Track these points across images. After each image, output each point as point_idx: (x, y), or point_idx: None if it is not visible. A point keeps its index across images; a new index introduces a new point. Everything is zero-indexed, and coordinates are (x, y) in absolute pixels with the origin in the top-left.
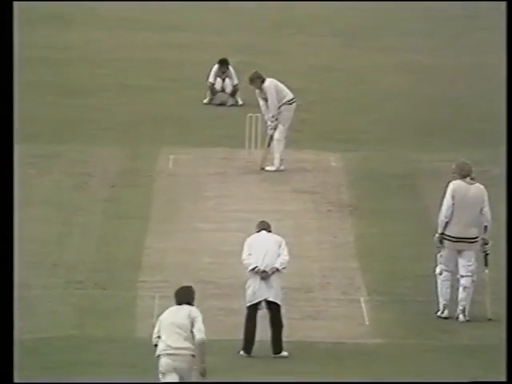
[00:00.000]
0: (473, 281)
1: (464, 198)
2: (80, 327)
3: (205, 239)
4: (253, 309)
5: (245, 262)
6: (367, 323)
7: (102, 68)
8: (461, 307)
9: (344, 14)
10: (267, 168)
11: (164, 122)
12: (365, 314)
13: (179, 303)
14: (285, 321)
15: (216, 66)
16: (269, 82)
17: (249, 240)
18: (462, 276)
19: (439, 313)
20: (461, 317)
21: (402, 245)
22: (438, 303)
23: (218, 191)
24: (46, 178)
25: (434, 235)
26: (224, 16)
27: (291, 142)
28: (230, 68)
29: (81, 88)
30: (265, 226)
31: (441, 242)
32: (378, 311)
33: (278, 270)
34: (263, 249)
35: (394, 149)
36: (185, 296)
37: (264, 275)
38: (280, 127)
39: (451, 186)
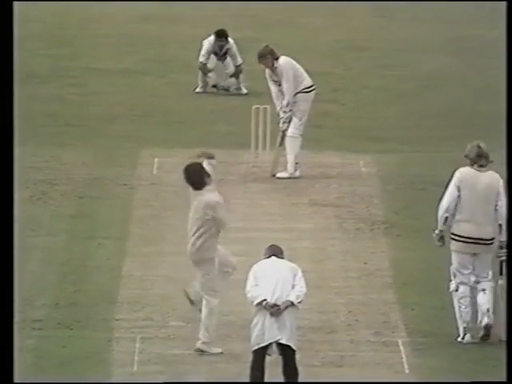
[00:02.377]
0: (492, 287)
1: (473, 190)
2: (39, 378)
3: None
4: (260, 353)
5: (250, 294)
6: (407, 371)
7: (63, 47)
8: (485, 310)
9: None
10: (279, 175)
11: (146, 115)
12: (404, 359)
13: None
14: (301, 368)
15: (210, 40)
16: (284, 61)
17: (255, 267)
18: (479, 282)
19: (459, 338)
20: (486, 319)
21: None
22: (457, 327)
23: None
24: None
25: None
26: None
27: (310, 140)
28: (231, 42)
29: (36, 72)
30: (276, 252)
31: (440, 239)
32: (422, 356)
33: (292, 304)
34: (273, 277)
35: (441, 150)
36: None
37: (275, 311)
38: (295, 121)
39: (457, 173)
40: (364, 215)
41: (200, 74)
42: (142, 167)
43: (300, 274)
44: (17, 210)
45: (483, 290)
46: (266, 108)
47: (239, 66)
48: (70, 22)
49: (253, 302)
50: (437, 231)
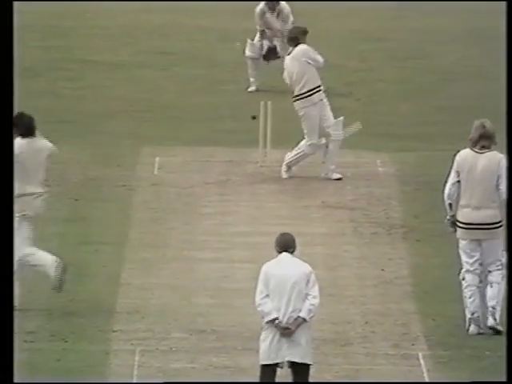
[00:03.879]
0: (504, 276)
1: (472, 172)
2: (38, 379)
3: (202, 273)
4: (270, 368)
5: (260, 308)
6: None
7: (58, 38)
8: (490, 308)
9: None
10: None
11: (146, 111)
12: (425, 373)
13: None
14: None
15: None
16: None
17: (265, 269)
18: (490, 271)
19: (468, 330)
20: (490, 320)
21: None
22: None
23: (220, 207)
24: None
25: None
26: None
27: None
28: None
29: (29, 65)
30: (288, 245)
31: (452, 225)
32: (444, 370)
33: (304, 320)
34: (286, 289)
35: (463, 147)
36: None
37: (287, 333)
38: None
39: (457, 157)
40: (381, 219)
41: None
42: (141, 167)
43: (313, 278)
44: None
45: (491, 283)
46: (266, 103)
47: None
48: (65, 12)
49: (262, 316)
50: (448, 216)
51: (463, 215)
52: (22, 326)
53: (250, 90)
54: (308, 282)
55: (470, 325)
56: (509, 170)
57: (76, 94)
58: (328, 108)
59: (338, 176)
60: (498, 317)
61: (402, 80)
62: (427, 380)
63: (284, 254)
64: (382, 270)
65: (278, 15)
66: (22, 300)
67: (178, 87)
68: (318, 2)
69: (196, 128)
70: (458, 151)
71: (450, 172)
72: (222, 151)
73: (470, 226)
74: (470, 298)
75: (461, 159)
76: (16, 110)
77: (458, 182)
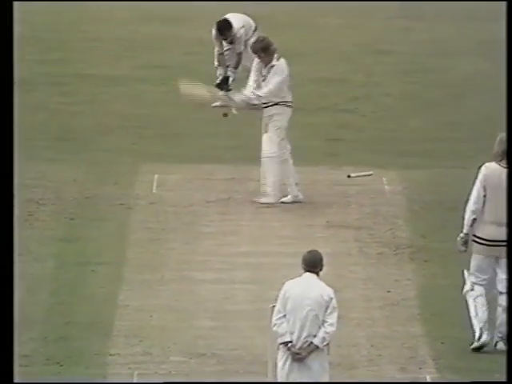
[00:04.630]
0: None
1: (499, 188)
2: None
3: (202, 294)
4: None
5: (275, 328)
6: None
7: (52, 51)
8: (500, 334)
9: None
10: (262, 200)
11: (144, 127)
12: None
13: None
14: None
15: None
16: (284, 63)
17: (286, 288)
18: (501, 293)
19: (475, 341)
20: (500, 345)
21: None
22: (472, 331)
23: (221, 226)
24: None
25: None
26: None
27: (327, 155)
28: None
29: (23, 79)
30: (314, 264)
31: (465, 243)
32: None
33: (317, 347)
34: (302, 312)
35: (473, 165)
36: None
37: (298, 358)
38: (273, 139)
39: (482, 170)
40: (387, 238)
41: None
42: (139, 185)
43: (333, 304)
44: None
45: (503, 308)
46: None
47: (239, 53)
48: (60, 24)
49: (277, 337)
50: (462, 234)
51: (487, 231)
52: (16, 350)
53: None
54: (327, 308)
55: (482, 333)
56: (509, 177)
57: (72, 110)
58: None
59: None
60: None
61: (409, 95)
62: None
63: (308, 274)
64: (389, 291)
65: (231, 42)
66: (16, 322)
67: (177, 102)
68: (321, 13)
69: (196, 144)
70: (483, 164)
71: (473, 185)
72: (223, 168)
73: (493, 243)
74: (482, 307)
75: (487, 173)
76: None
77: (484, 196)
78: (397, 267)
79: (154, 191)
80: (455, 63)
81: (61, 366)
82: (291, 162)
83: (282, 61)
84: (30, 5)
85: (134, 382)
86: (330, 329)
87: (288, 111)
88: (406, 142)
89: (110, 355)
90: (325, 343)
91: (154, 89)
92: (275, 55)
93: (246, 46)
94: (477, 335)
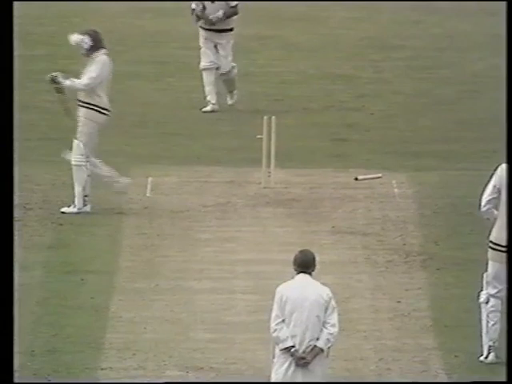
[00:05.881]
0: None
1: None
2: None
3: (199, 305)
4: None
5: (275, 334)
6: None
7: (39, 46)
8: None
9: None
10: (64, 209)
11: (138, 126)
12: None
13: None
14: None
15: None
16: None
17: (281, 291)
18: None
19: (482, 357)
20: None
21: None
22: (481, 344)
23: (220, 232)
24: None
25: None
26: None
27: (333, 156)
28: None
29: None
30: (307, 265)
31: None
32: None
33: (322, 350)
34: (303, 315)
35: (488, 166)
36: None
37: (303, 363)
38: (79, 146)
39: (498, 171)
40: (397, 245)
41: (206, 82)
42: (132, 188)
43: (332, 304)
44: None
45: None
46: (270, 118)
47: (235, 6)
48: (47, 17)
49: (277, 343)
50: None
51: (501, 237)
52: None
53: (204, 109)
54: (327, 308)
55: (489, 353)
56: (509, 178)
57: (59, 109)
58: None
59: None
60: None
61: (420, 92)
62: None
63: (302, 275)
64: (399, 301)
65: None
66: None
67: (173, 100)
68: (327, 5)
69: (192, 145)
70: (499, 165)
71: (486, 185)
72: (222, 171)
73: (506, 250)
74: (494, 324)
75: (503, 174)
76: None
77: (495, 198)
78: (407, 276)
79: (147, 195)
80: (468, 59)
81: (49, 380)
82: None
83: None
84: None
85: (135, 381)
86: (332, 330)
87: (99, 118)
88: (416, 142)
89: (102, 369)
90: (329, 345)
91: (147, 86)
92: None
93: None
94: (484, 354)
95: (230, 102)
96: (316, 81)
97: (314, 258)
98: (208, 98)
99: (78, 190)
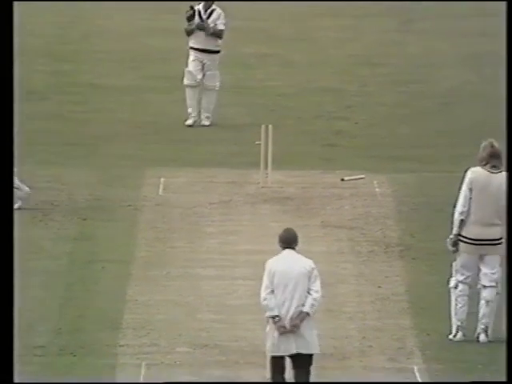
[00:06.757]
0: (497, 293)
1: (485, 191)
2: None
3: (205, 290)
4: (279, 358)
5: (265, 302)
6: None
7: (64, 62)
8: (482, 326)
9: None
10: None
11: (151, 134)
12: None
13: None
14: None
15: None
16: None
17: (270, 265)
18: (485, 287)
19: (451, 336)
20: (482, 337)
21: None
22: (450, 325)
23: (223, 226)
24: None
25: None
26: None
27: (322, 160)
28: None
29: (36, 89)
30: (290, 241)
31: (454, 244)
32: None
33: (308, 314)
34: (289, 284)
35: (459, 169)
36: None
37: (293, 326)
38: None
39: (469, 174)
40: (378, 237)
41: (188, 97)
42: (147, 188)
43: (315, 273)
44: (17, 232)
45: (486, 301)
46: (267, 126)
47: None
48: (70, 37)
49: (265, 310)
50: (451, 236)
51: (473, 231)
52: (32, 340)
53: (187, 123)
54: (310, 277)
55: (457, 332)
56: (508, 181)
57: (82, 117)
58: None
59: None
60: (489, 333)
61: (400, 104)
62: None
63: (287, 250)
64: (379, 286)
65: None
66: (31, 315)
67: (181, 110)
68: (319, 26)
69: (199, 150)
70: (468, 168)
71: (460, 189)
72: (225, 173)
73: (478, 242)
74: (462, 307)
75: (474, 176)
76: (25, 132)
77: (470, 198)
78: (387, 264)
79: (160, 193)
80: (443, 75)
81: (74, 356)
82: None
83: None
84: (42, 18)
85: (134, 381)
86: (316, 295)
87: None
88: (395, 147)
89: (120, 346)
90: (314, 309)
91: (158, 98)
92: None
93: None
94: (453, 332)
95: (205, 122)
96: (308, 93)
97: (296, 236)
98: (189, 110)
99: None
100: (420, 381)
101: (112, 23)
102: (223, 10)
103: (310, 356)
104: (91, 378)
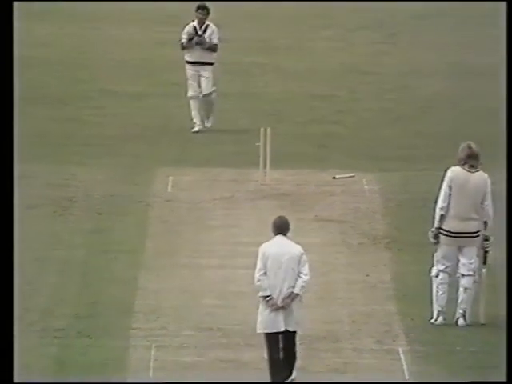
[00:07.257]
0: (474, 281)
1: (463, 188)
2: (40, 378)
3: (209, 278)
4: (272, 334)
5: (259, 283)
6: (407, 378)
7: (82, 71)
8: (461, 310)
9: (383, 3)
10: None
11: (160, 136)
12: (405, 367)
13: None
14: (307, 375)
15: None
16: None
17: (263, 249)
18: (463, 275)
19: (432, 320)
20: (461, 321)
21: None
22: (431, 310)
23: (226, 220)
24: (16, 204)
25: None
26: (231, 5)
27: (315, 159)
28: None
29: (56, 95)
30: (282, 228)
31: (435, 237)
32: (421, 364)
33: (297, 295)
34: (281, 268)
35: (440, 168)
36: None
37: (285, 304)
38: None
39: (448, 173)
40: (367, 230)
41: (192, 107)
42: (156, 185)
43: (304, 258)
44: (39, 226)
45: (464, 289)
46: (266, 129)
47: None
48: (86, 46)
49: (259, 291)
50: (433, 229)
51: (452, 225)
52: (52, 324)
53: (193, 130)
54: (300, 262)
55: (438, 316)
56: (508, 183)
57: (98, 121)
58: None
59: None
60: (467, 318)
61: (385, 109)
62: (406, 371)
63: (279, 236)
64: (367, 275)
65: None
66: (51, 301)
67: (188, 114)
68: (312, 37)
69: (204, 151)
70: (448, 168)
71: (440, 186)
72: (228, 171)
73: (457, 235)
74: (442, 294)
75: (453, 175)
76: (45, 134)
77: (450, 195)
78: (374, 255)
79: (169, 190)
80: (425, 83)
81: (90, 338)
82: None
83: None
84: (58, 29)
85: (133, 382)
86: (305, 278)
87: None
88: (382, 149)
89: (132, 329)
90: (303, 290)
91: (167, 103)
92: None
93: None
94: (434, 317)
95: (207, 124)
96: (302, 99)
97: (288, 223)
98: (194, 120)
99: None
100: (404, 362)
101: (125, 34)
102: (216, 25)
103: (294, 334)
104: (92, 378)
